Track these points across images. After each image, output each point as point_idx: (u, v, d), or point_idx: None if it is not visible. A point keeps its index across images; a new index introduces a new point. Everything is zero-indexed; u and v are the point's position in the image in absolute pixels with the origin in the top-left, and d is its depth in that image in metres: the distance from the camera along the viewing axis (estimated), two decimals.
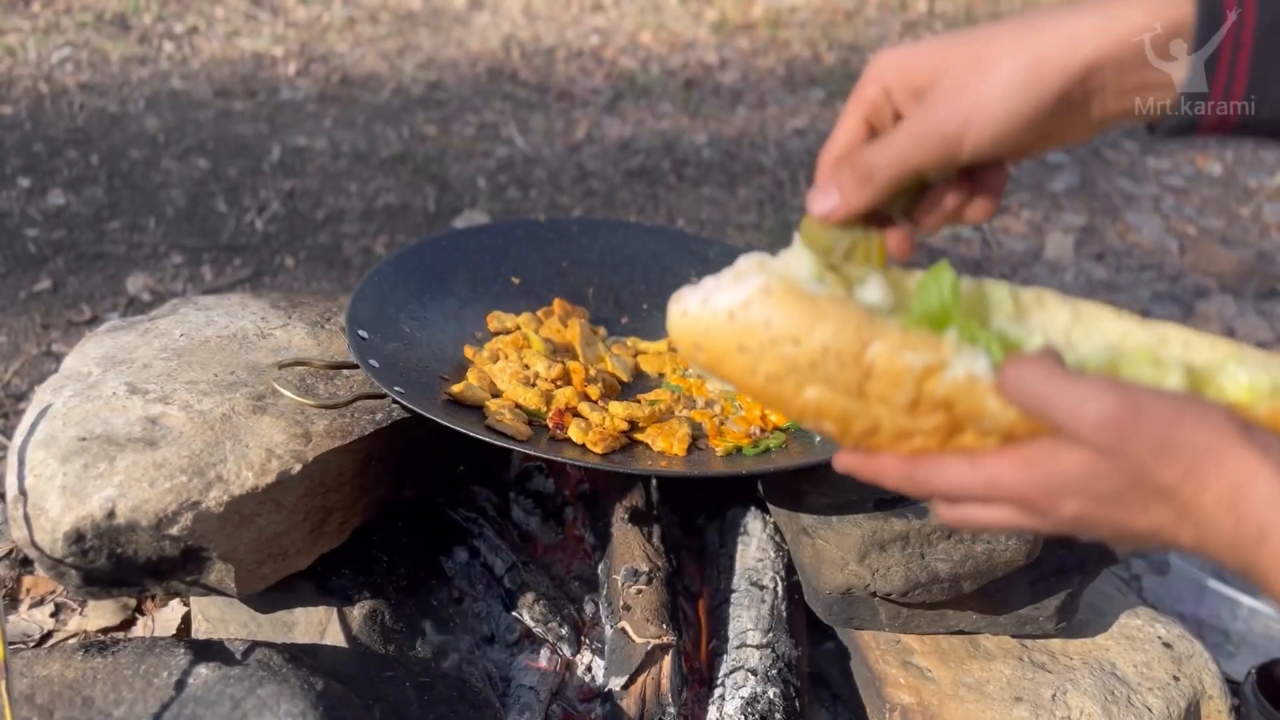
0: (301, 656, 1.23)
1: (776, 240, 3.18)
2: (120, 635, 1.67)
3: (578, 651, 1.47)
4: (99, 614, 1.70)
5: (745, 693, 1.38)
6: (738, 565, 1.58)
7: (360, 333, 1.46)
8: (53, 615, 1.70)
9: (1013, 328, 0.78)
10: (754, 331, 0.73)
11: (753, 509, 1.66)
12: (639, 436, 1.46)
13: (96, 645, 1.20)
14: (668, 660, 1.37)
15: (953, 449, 0.73)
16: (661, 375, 1.63)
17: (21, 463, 1.29)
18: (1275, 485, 0.60)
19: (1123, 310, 0.78)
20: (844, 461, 0.79)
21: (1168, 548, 0.69)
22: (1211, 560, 0.65)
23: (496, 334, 1.65)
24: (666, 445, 1.43)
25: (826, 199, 0.80)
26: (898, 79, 0.79)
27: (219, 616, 1.51)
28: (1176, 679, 1.39)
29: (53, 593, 1.73)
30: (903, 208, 0.84)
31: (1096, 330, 0.77)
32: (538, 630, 1.47)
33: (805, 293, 0.72)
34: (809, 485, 1.40)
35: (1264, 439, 0.62)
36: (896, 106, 0.80)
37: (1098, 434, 0.64)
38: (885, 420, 0.73)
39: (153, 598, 1.71)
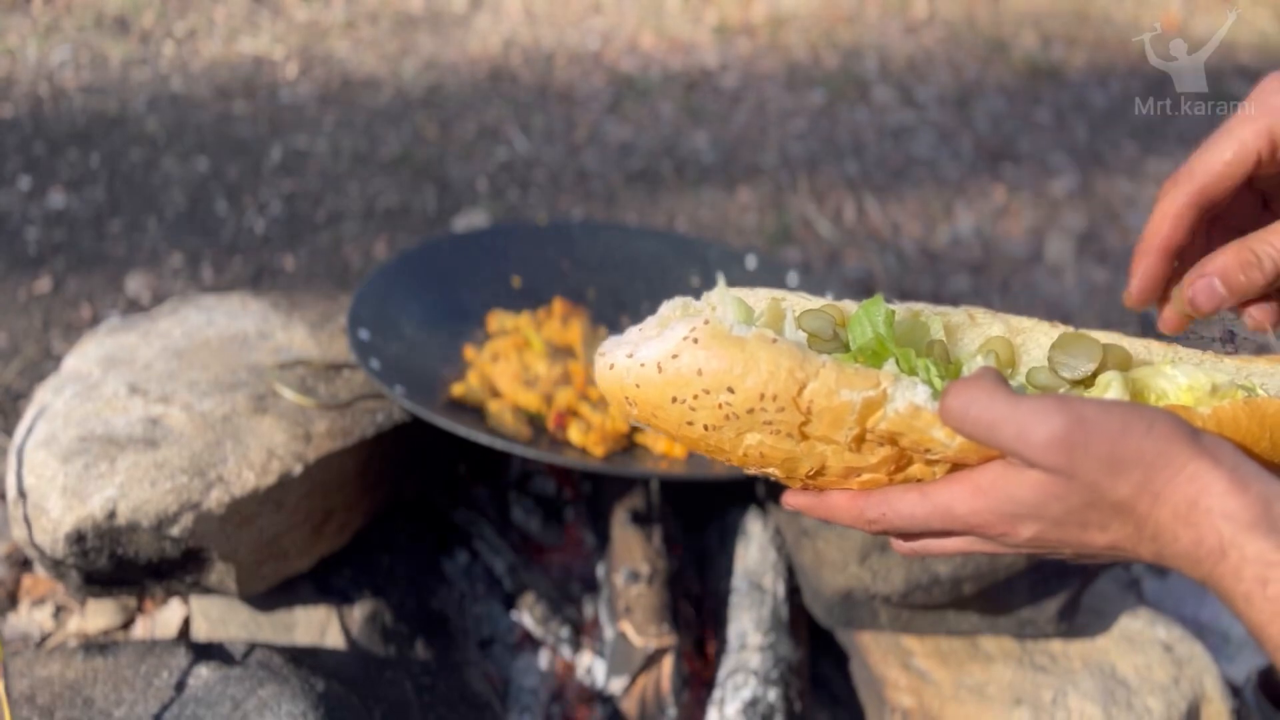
0: (302, 657, 1.23)
1: (776, 242, 3.19)
2: (120, 636, 1.67)
3: (577, 653, 1.47)
4: (99, 614, 1.70)
5: (746, 694, 1.37)
6: (738, 567, 1.58)
7: (361, 333, 1.46)
8: (53, 616, 1.70)
9: (950, 348, 0.76)
10: (686, 382, 0.70)
11: (753, 511, 1.66)
12: (639, 438, 1.46)
13: (97, 646, 1.20)
14: (668, 662, 1.37)
15: (902, 481, 0.72)
16: None
17: (22, 463, 1.28)
18: (1230, 497, 0.59)
19: (1055, 322, 0.76)
20: (792, 501, 0.77)
21: (1128, 563, 0.67)
22: (1172, 570, 0.63)
23: (497, 335, 1.65)
24: (667, 447, 1.43)
25: (1212, 292, 0.76)
26: None
27: (219, 617, 1.51)
28: (1177, 681, 1.39)
29: (53, 593, 1.73)
30: None
31: (1033, 342, 0.75)
32: (538, 632, 1.47)
33: (733, 337, 0.69)
34: None
35: (1212, 444, 0.61)
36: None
37: (1047, 455, 0.62)
38: (831, 459, 0.71)
39: (153, 598, 1.71)
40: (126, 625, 1.69)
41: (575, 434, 1.41)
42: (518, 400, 1.46)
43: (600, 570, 1.56)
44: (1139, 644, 1.46)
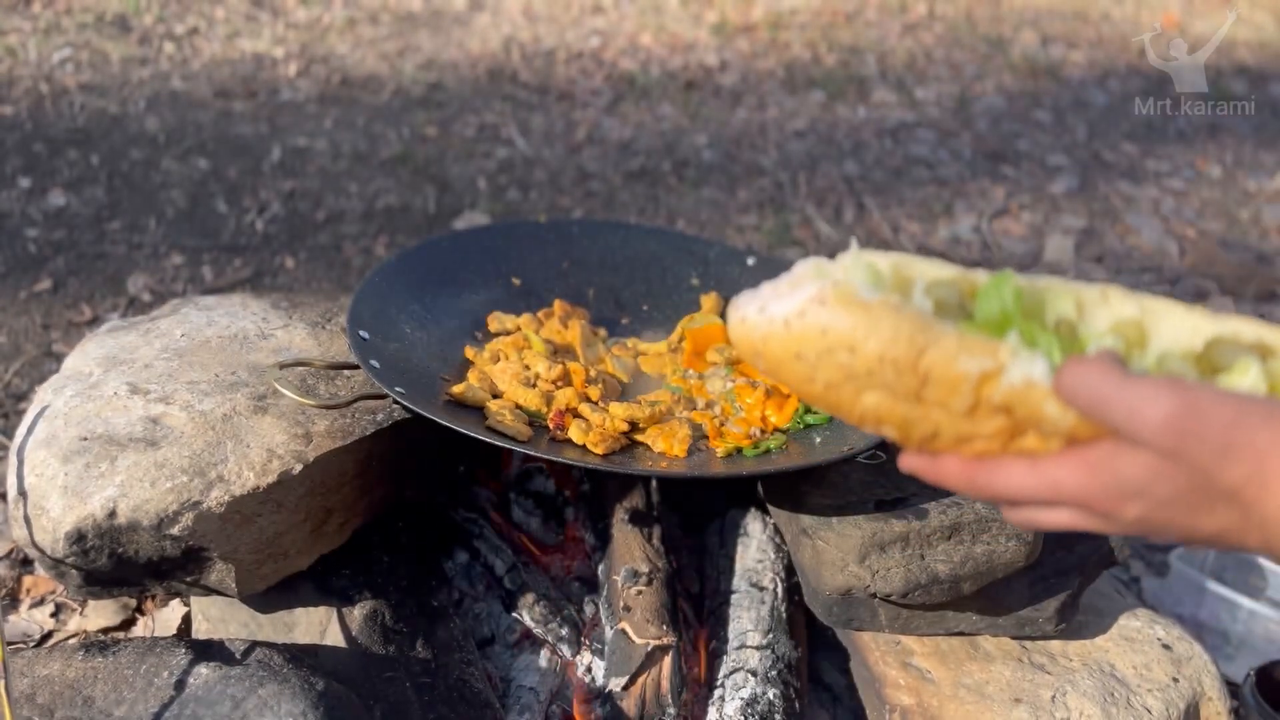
0: (302, 657, 1.23)
1: (776, 242, 3.19)
2: (121, 635, 1.67)
3: (578, 652, 1.47)
4: (99, 614, 1.70)
5: (745, 694, 1.38)
6: (738, 566, 1.58)
7: (361, 333, 1.46)
8: (53, 615, 1.70)
9: (1079, 325, 0.76)
10: (810, 340, 0.72)
11: (753, 510, 1.66)
12: (639, 437, 1.46)
13: (97, 645, 1.20)
14: (668, 661, 1.37)
15: (1015, 451, 0.72)
16: (662, 376, 1.64)
17: (22, 462, 1.29)
18: None
19: (1191, 305, 0.76)
20: (908, 463, 0.78)
21: (1235, 550, 0.67)
22: None
23: (497, 335, 1.65)
24: (667, 446, 1.43)
25: None
26: None
27: (219, 616, 1.51)
28: (1176, 680, 1.40)
29: (53, 593, 1.73)
30: None
31: (1166, 325, 0.75)
32: (538, 631, 1.47)
33: (860, 300, 0.71)
34: (809, 486, 1.40)
35: None
36: None
37: (1158, 436, 0.63)
38: (945, 425, 0.73)
39: (153, 598, 1.71)
40: (127, 625, 1.69)
41: (575, 433, 1.42)
42: (518, 400, 1.46)
43: (600, 569, 1.57)
44: (1138, 643, 1.46)
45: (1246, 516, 0.63)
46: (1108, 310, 0.76)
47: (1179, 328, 0.74)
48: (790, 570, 1.57)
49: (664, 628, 1.38)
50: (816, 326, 0.71)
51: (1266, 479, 0.60)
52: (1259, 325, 0.75)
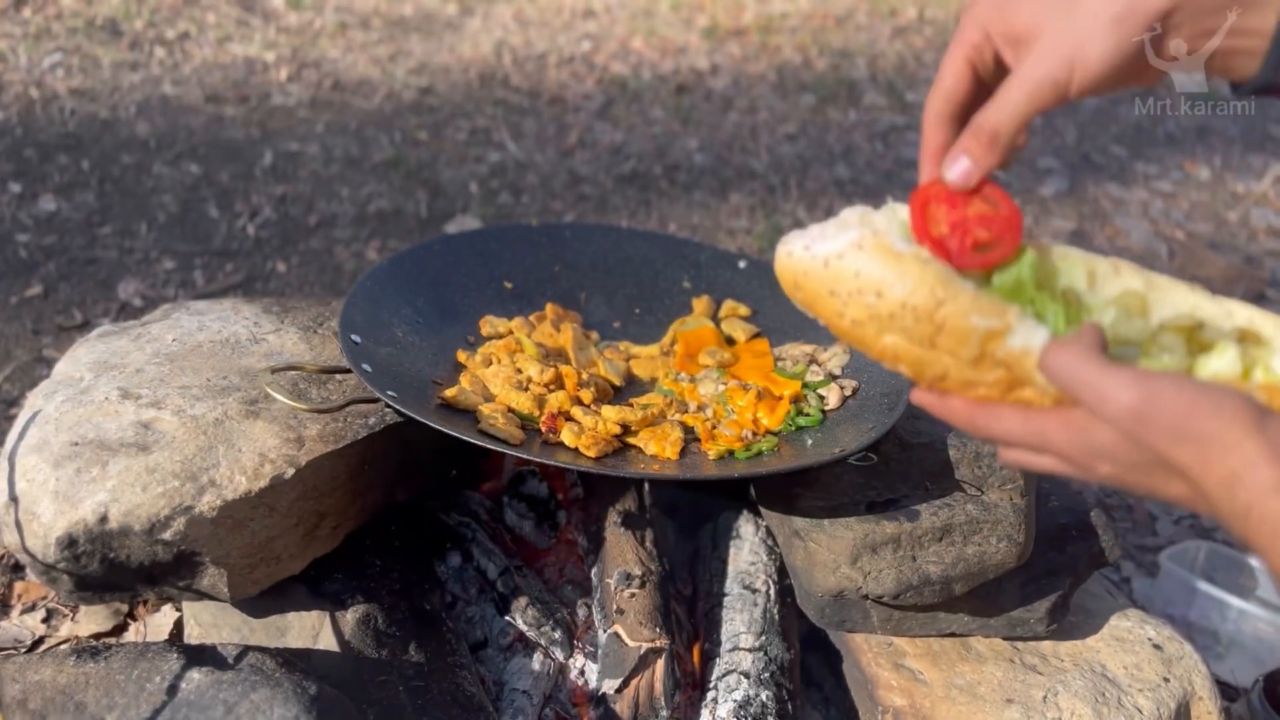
0: (294, 661, 1.23)
1: (768, 245, 3.19)
2: (112, 640, 1.67)
3: (571, 655, 1.47)
4: (91, 619, 1.70)
5: (738, 696, 1.38)
6: (730, 568, 1.58)
7: (353, 337, 1.46)
8: (45, 620, 1.70)
9: (1087, 295, 0.84)
10: (844, 280, 0.80)
11: (745, 512, 1.66)
12: (631, 440, 1.46)
13: (89, 650, 1.20)
14: (661, 664, 1.37)
15: (1013, 399, 0.81)
16: (654, 379, 1.64)
17: (13, 468, 1.28)
18: (1264, 470, 0.67)
19: (1193, 284, 0.84)
20: (919, 397, 0.87)
21: (1197, 513, 0.76)
22: (1229, 532, 0.73)
23: (489, 338, 1.65)
24: (659, 449, 1.43)
25: (957, 166, 0.84)
26: (997, 24, 0.84)
27: (211, 621, 1.51)
28: (1166, 680, 1.40)
29: (45, 598, 1.73)
30: None
31: (1168, 300, 0.83)
32: (531, 634, 1.47)
33: (893, 250, 0.79)
34: (801, 488, 1.41)
35: (1275, 428, 0.69)
36: (996, 50, 0.85)
37: (1121, 420, 0.72)
38: (952, 370, 0.81)
39: (145, 603, 1.70)
40: (118, 630, 1.69)
41: (568, 436, 1.42)
42: (510, 403, 1.46)
43: (593, 572, 1.57)
44: (1129, 643, 1.46)
45: (1195, 490, 0.72)
46: (1118, 281, 0.83)
47: (1179, 304, 0.82)
48: (783, 572, 1.57)
49: (657, 630, 1.38)
50: (851, 268, 0.80)
51: (1208, 461, 0.69)
52: (1252, 310, 0.83)
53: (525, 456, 1.36)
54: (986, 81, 0.86)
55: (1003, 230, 0.82)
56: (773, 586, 1.55)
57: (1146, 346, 0.82)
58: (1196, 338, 0.82)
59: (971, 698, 1.36)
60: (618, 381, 1.61)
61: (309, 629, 1.39)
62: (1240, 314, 0.82)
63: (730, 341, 1.73)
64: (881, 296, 0.79)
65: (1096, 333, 0.76)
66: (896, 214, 0.84)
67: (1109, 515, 1.95)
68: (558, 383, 1.51)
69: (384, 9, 4.62)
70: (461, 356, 1.59)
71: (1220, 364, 0.80)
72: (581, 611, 1.53)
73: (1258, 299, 3.21)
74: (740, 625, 1.48)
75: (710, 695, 1.41)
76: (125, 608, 1.71)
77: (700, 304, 1.80)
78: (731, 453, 1.46)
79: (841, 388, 1.56)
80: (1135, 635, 1.48)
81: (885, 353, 0.83)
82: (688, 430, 1.49)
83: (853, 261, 0.80)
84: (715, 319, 1.79)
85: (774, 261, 0.87)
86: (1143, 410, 0.71)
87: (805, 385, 1.58)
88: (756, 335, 1.74)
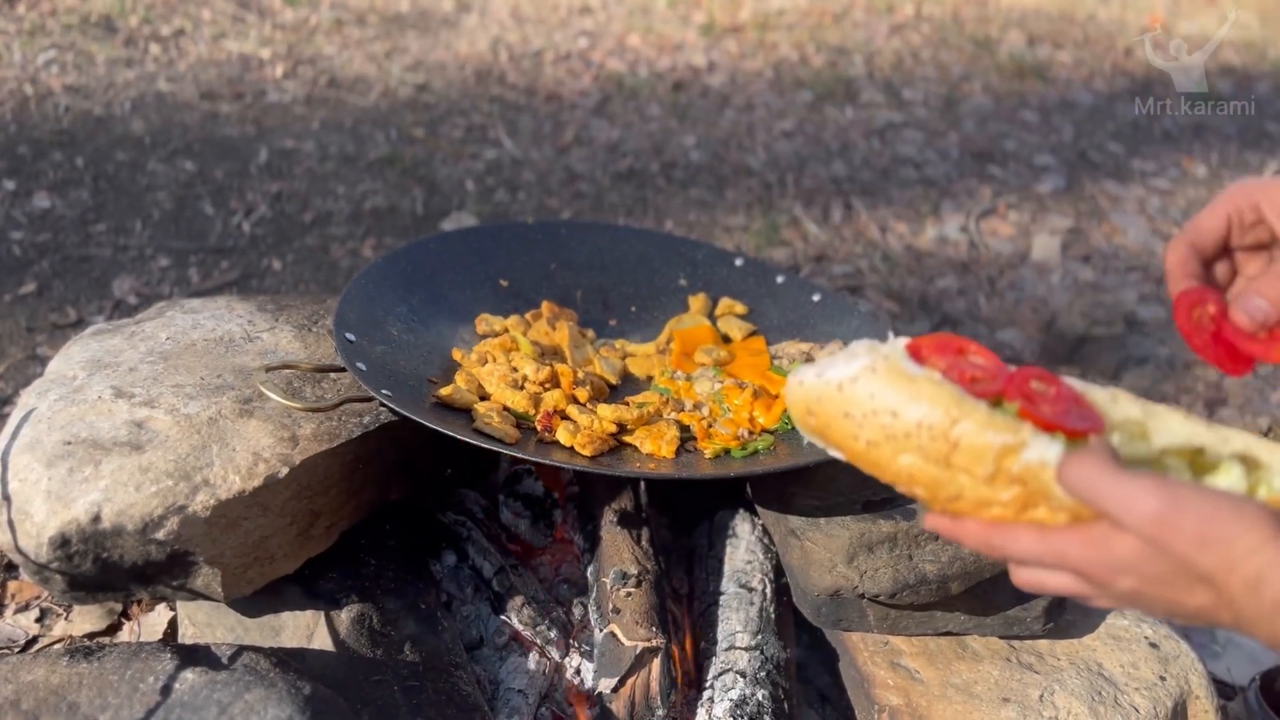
0: (289, 660, 1.23)
1: (764, 242, 3.19)
2: (106, 640, 1.66)
3: (566, 654, 1.47)
4: (84, 619, 1.69)
5: (734, 695, 1.38)
6: (726, 567, 1.58)
7: (348, 336, 1.45)
8: (38, 620, 1.69)
9: None
10: (859, 402, 0.83)
11: (741, 511, 1.66)
12: (627, 439, 1.46)
13: (82, 650, 1.19)
14: (657, 663, 1.37)
15: (1027, 520, 0.82)
16: (650, 378, 1.63)
17: (5, 467, 1.28)
18: None
19: (1190, 413, 0.87)
20: (932, 522, 0.88)
21: (1214, 626, 0.80)
22: (1252, 637, 0.74)
23: (485, 337, 1.65)
24: (655, 447, 1.43)
25: (1255, 305, 0.94)
26: (1267, 201, 0.96)
27: (205, 621, 1.50)
28: (1163, 679, 1.40)
29: (38, 598, 1.72)
30: None
31: (1165, 429, 0.85)
32: (526, 633, 1.47)
33: (906, 373, 0.82)
34: (797, 487, 1.41)
35: None
36: (1264, 219, 0.97)
37: (1144, 527, 0.73)
38: (968, 488, 0.82)
39: (139, 602, 1.70)
40: (112, 630, 1.68)
41: (563, 435, 1.41)
42: (505, 402, 1.46)
43: (589, 571, 1.56)
44: (1125, 642, 1.46)
45: (1219, 595, 0.72)
46: (1117, 409, 0.86)
47: (1177, 432, 0.85)
48: (779, 571, 1.57)
49: (653, 629, 1.38)
50: (865, 391, 0.83)
51: (1234, 563, 0.70)
52: (1247, 437, 0.85)
53: (521, 455, 1.36)
54: (1236, 239, 0.99)
55: (993, 374, 0.85)
56: (769, 585, 1.54)
57: (1155, 467, 0.84)
58: (1199, 461, 0.85)
59: (968, 697, 1.36)
60: (614, 380, 1.60)
61: (303, 629, 1.39)
62: (1236, 440, 0.84)
63: (726, 340, 1.73)
64: (897, 416, 0.82)
65: (1107, 446, 0.78)
66: (898, 346, 0.87)
67: None
68: (553, 381, 1.51)
69: (380, 6, 4.61)
70: (457, 355, 1.58)
71: (1226, 482, 0.82)
72: (577, 611, 1.53)
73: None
74: (736, 624, 1.48)
75: (706, 694, 1.41)
76: (119, 607, 1.71)
77: (696, 302, 1.79)
78: (728, 451, 1.46)
79: None
80: (1132, 634, 1.48)
81: (901, 474, 0.84)
82: (684, 429, 1.48)
83: (866, 385, 0.83)
84: (711, 317, 1.78)
85: (785, 394, 0.90)
86: (1167, 515, 0.72)
87: None
88: (753, 333, 1.74)
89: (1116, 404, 0.86)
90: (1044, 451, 0.79)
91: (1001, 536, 0.83)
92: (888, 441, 0.83)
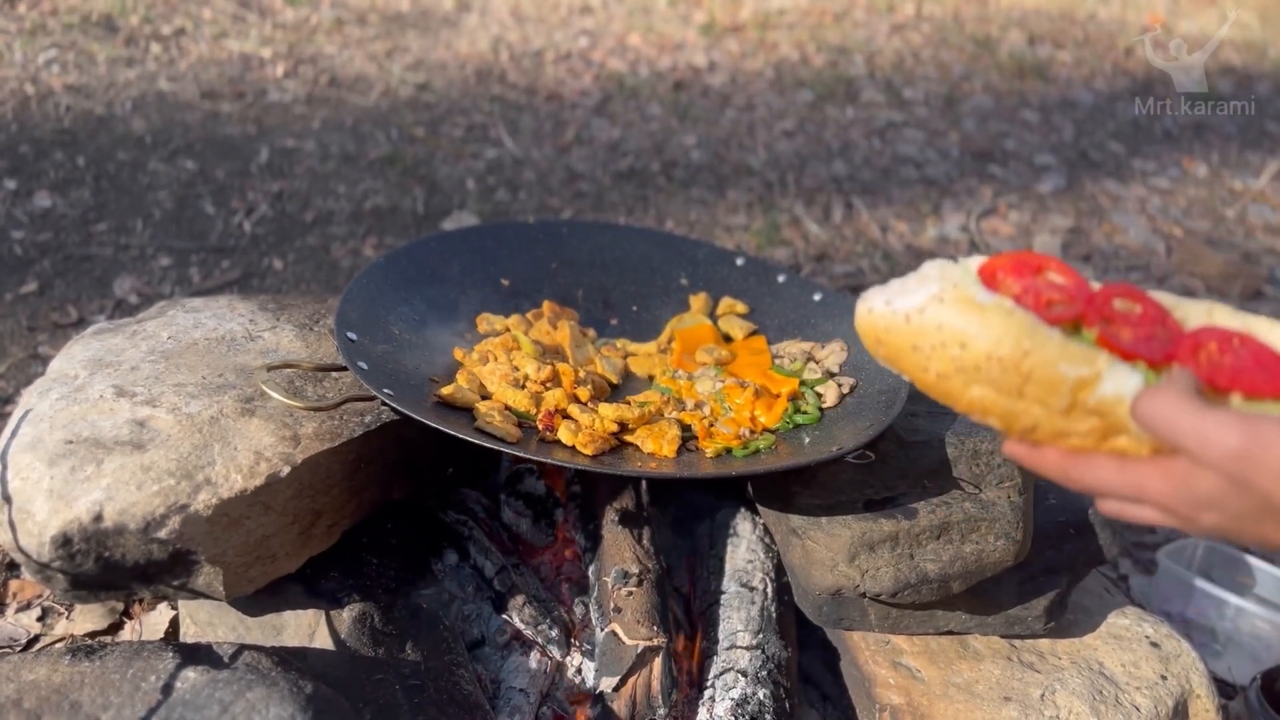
0: (290, 659, 1.23)
1: (765, 242, 3.19)
2: (108, 639, 1.66)
3: (568, 653, 1.47)
4: (86, 618, 1.69)
5: (735, 694, 1.38)
6: (727, 566, 1.58)
7: (349, 335, 1.45)
8: (40, 619, 1.69)
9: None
10: (926, 334, 0.79)
11: (742, 510, 1.66)
12: (629, 438, 1.46)
13: (84, 649, 1.19)
14: (658, 662, 1.37)
15: (1108, 449, 0.78)
16: (651, 377, 1.63)
17: (7, 466, 1.28)
18: None
19: None
20: (1010, 449, 0.85)
21: None
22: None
23: (486, 336, 1.65)
24: (656, 447, 1.43)
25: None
26: None
27: (207, 620, 1.50)
28: (1164, 678, 1.40)
29: (39, 597, 1.72)
30: None
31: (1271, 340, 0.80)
32: (528, 632, 1.47)
33: (975, 301, 0.78)
34: (798, 486, 1.41)
35: None
36: None
37: (1226, 464, 0.70)
38: (1043, 420, 0.79)
39: (140, 601, 1.70)
40: (114, 629, 1.68)
41: (564, 434, 1.41)
42: (507, 401, 1.46)
43: (590, 570, 1.56)
44: (1126, 641, 1.46)
45: None
46: (1210, 321, 0.81)
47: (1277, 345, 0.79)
48: (780, 570, 1.57)
49: (654, 629, 1.38)
50: (934, 322, 0.79)
51: None
52: None
53: (522, 454, 1.36)
54: None
55: (1073, 296, 0.80)
56: (770, 584, 1.55)
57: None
58: None
59: (969, 696, 1.36)
60: (615, 379, 1.60)
61: (305, 627, 1.39)
62: None
63: (728, 339, 1.73)
64: (966, 348, 0.78)
65: (1190, 378, 0.74)
66: (970, 268, 0.83)
67: None
68: (555, 380, 1.51)
69: (381, 5, 4.61)
70: (458, 354, 1.58)
71: None
72: (579, 610, 1.53)
73: (1255, 296, 3.21)
74: (738, 623, 1.48)
75: (708, 693, 1.41)
76: (121, 606, 1.71)
77: (698, 301, 1.79)
78: (729, 450, 1.46)
79: (839, 385, 1.56)
80: (1133, 633, 1.48)
81: (974, 405, 0.81)
82: (685, 428, 1.48)
83: (935, 315, 0.79)
84: (713, 316, 1.78)
85: (855, 319, 0.86)
86: (1249, 452, 0.69)
87: (803, 383, 1.57)
88: (754, 333, 1.74)
89: (1212, 319, 0.82)
90: (1120, 385, 0.75)
91: (1081, 467, 0.80)
92: (958, 374, 0.79)
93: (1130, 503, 0.79)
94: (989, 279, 0.81)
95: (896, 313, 0.81)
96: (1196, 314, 0.82)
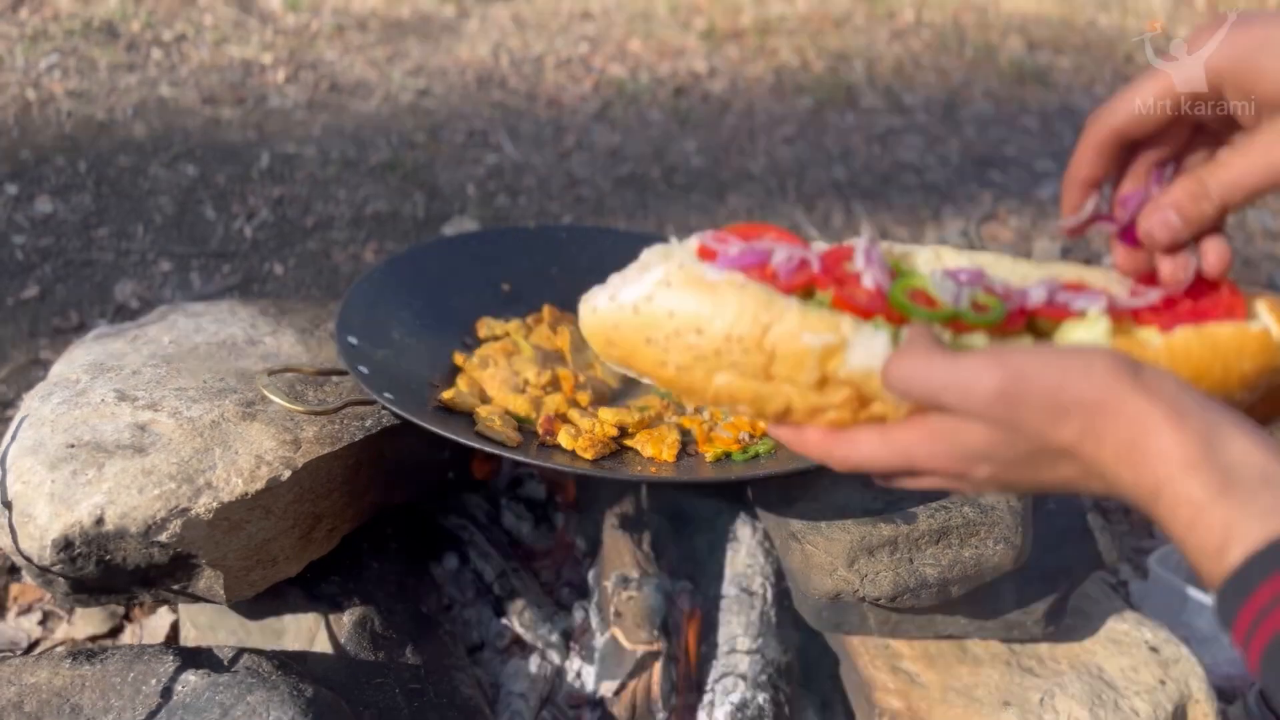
0: (290, 663, 1.23)
1: None
2: (108, 643, 1.66)
3: (567, 658, 1.47)
4: (87, 622, 1.69)
5: (735, 698, 1.38)
6: (727, 571, 1.58)
7: (350, 339, 1.46)
8: (40, 623, 1.69)
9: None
10: (658, 323, 0.72)
11: (742, 515, 1.66)
12: (629, 443, 1.46)
13: (84, 653, 1.20)
14: (658, 667, 1.37)
15: (866, 418, 0.73)
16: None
17: (8, 470, 1.28)
18: (1166, 435, 0.60)
19: (1018, 257, 0.79)
20: (775, 432, 0.79)
21: (1085, 495, 0.71)
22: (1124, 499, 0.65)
23: (486, 340, 1.65)
24: (656, 451, 1.43)
25: (1163, 220, 0.77)
26: (1237, 77, 0.75)
27: (208, 624, 1.50)
28: (1163, 683, 1.40)
29: (40, 600, 1.73)
30: None
31: (998, 272, 0.78)
32: (527, 637, 1.47)
33: (705, 280, 0.72)
34: (798, 491, 1.41)
35: (1153, 379, 0.62)
36: (1221, 99, 0.76)
37: (990, 410, 0.65)
38: (796, 399, 0.73)
39: (141, 605, 1.70)
40: (114, 632, 1.69)
41: (564, 439, 1.42)
42: (507, 405, 1.46)
43: (590, 575, 1.57)
44: (1125, 646, 1.46)
45: (1086, 469, 0.64)
46: (940, 264, 0.78)
47: (1011, 273, 0.77)
48: (780, 574, 1.57)
49: (654, 633, 1.38)
50: (664, 309, 0.72)
51: (1098, 434, 0.62)
52: (1079, 268, 0.78)
53: (522, 459, 1.36)
54: (1181, 127, 0.79)
55: (802, 260, 0.75)
56: (770, 589, 1.55)
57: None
58: (1035, 325, 0.76)
59: (968, 700, 1.36)
60: (615, 383, 1.61)
61: (305, 631, 1.39)
62: (1068, 273, 0.77)
63: None
64: (703, 333, 0.71)
65: (927, 331, 0.70)
66: (691, 248, 0.77)
67: (1105, 518, 1.95)
68: (555, 385, 1.51)
69: (381, 11, 4.62)
70: (458, 359, 1.59)
71: (1089, 333, 0.73)
72: (579, 614, 1.53)
73: None
74: (737, 628, 1.48)
75: (707, 698, 1.41)
76: (121, 610, 1.71)
77: None
78: (729, 455, 1.46)
79: None
80: (1132, 638, 1.48)
81: (721, 395, 0.74)
82: (685, 433, 1.49)
83: (664, 301, 0.72)
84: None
85: (580, 324, 0.79)
86: (1010, 390, 0.64)
87: None
88: None
89: (941, 262, 0.78)
90: (869, 352, 0.70)
91: (844, 446, 0.73)
92: (698, 363, 0.72)
93: (906, 475, 0.73)
94: (709, 256, 0.76)
95: (623, 306, 0.74)
96: (925, 259, 0.79)
